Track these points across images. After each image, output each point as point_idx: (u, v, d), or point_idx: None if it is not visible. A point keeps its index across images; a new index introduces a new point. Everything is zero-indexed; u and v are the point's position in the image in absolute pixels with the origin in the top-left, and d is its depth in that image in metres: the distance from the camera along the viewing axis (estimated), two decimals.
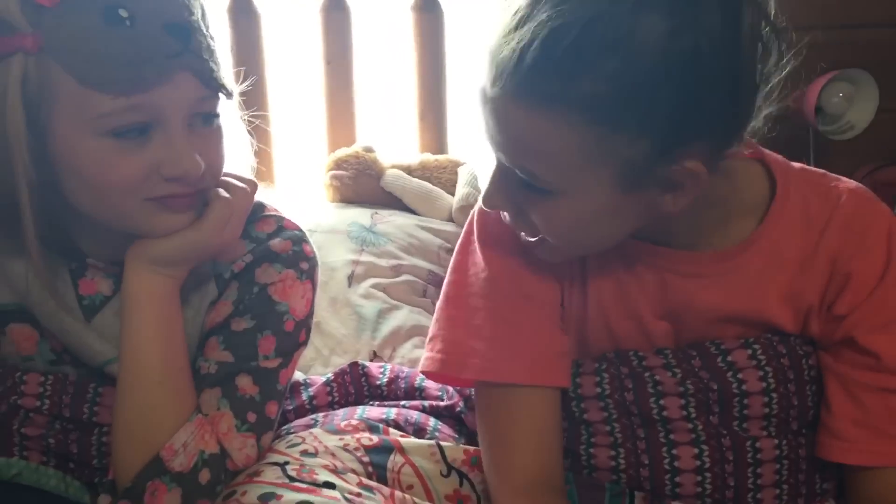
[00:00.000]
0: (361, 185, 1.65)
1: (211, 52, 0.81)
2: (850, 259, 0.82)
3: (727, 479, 0.85)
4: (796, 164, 0.87)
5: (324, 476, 0.79)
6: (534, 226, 0.79)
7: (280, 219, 0.94)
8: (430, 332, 0.90)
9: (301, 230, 0.95)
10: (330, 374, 1.10)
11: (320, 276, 0.94)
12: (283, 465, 0.81)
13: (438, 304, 0.91)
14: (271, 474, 0.80)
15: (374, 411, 0.99)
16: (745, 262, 0.83)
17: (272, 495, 0.75)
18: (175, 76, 0.77)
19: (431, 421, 0.98)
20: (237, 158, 0.92)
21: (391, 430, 0.93)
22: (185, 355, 0.86)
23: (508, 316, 0.86)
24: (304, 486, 0.77)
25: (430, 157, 1.73)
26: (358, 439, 0.88)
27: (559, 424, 0.87)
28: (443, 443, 0.92)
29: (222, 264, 0.90)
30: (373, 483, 0.83)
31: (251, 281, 0.89)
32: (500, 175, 0.78)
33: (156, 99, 0.77)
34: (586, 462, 0.89)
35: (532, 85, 0.68)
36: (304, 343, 0.92)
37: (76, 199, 0.81)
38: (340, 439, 0.88)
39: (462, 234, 0.92)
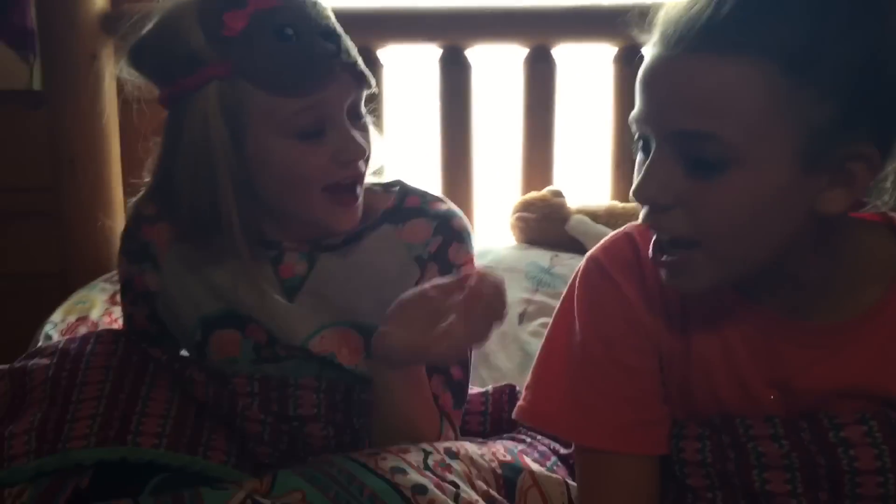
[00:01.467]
0: (546, 227, 1.73)
1: (352, 48, 0.99)
2: None
3: None
4: None
5: (454, 477, 0.88)
6: (687, 222, 0.75)
7: (442, 199, 1.10)
8: (527, 380, 0.93)
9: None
10: (490, 388, 1.20)
11: None
12: (428, 453, 0.92)
13: (538, 352, 0.94)
14: (414, 456, 0.91)
15: (507, 444, 1.06)
16: (868, 334, 0.80)
17: (402, 470, 0.87)
18: (337, 74, 0.95)
19: (552, 458, 1.04)
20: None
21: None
22: (432, 413, 1.01)
23: (595, 383, 0.87)
24: (431, 476, 0.87)
25: (617, 204, 1.77)
26: (494, 453, 0.97)
27: (653, 490, 0.88)
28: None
29: (415, 245, 1.05)
30: (498, 498, 0.90)
31: (446, 262, 1.04)
32: (659, 161, 0.75)
33: (327, 96, 0.95)
34: None
35: (727, 33, 0.70)
36: None
37: (268, 194, 0.99)
38: (480, 448, 0.97)
39: (569, 284, 0.93)
